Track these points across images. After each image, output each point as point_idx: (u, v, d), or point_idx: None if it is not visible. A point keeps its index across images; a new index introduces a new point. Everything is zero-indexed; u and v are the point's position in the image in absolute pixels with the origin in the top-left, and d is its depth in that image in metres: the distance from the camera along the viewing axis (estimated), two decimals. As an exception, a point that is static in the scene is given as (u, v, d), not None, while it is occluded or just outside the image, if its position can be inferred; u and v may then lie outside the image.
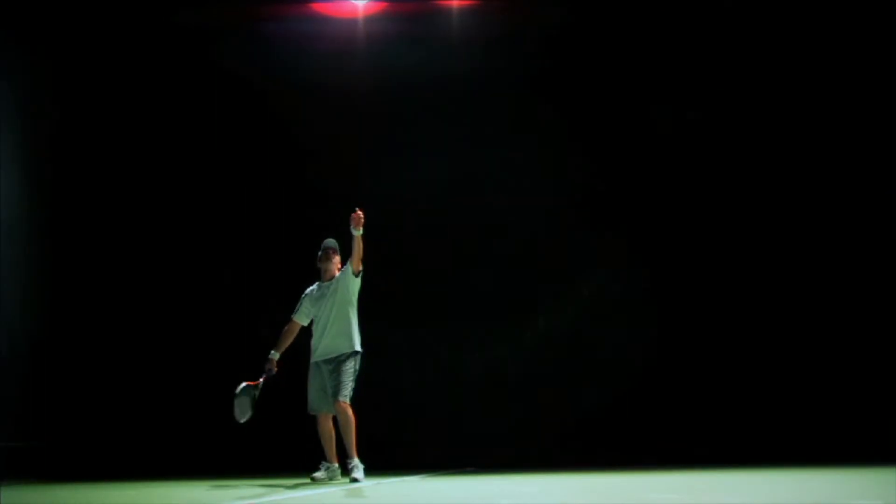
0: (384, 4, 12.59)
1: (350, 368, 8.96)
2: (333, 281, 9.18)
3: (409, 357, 12.15)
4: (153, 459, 11.66)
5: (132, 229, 12.37)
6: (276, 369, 9.16)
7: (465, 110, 12.42)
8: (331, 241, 9.31)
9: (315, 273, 9.36)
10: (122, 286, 12.26)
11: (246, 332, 12.09)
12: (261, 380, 9.12)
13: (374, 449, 9.71)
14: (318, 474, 9.03)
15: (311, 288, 9.35)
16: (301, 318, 9.29)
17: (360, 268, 9.01)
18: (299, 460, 9.65)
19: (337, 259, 9.25)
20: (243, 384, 9.09)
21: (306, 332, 9.34)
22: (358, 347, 9.08)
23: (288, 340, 9.28)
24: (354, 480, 8.78)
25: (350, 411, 8.88)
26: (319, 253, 9.28)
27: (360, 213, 8.84)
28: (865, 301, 11.87)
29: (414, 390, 12.14)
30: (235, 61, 12.37)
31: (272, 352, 9.19)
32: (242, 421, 9.06)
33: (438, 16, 12.64)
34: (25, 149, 11.49)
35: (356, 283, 9.09)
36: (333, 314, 9.09)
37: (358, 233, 8.85)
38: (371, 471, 9.17)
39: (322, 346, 9.10)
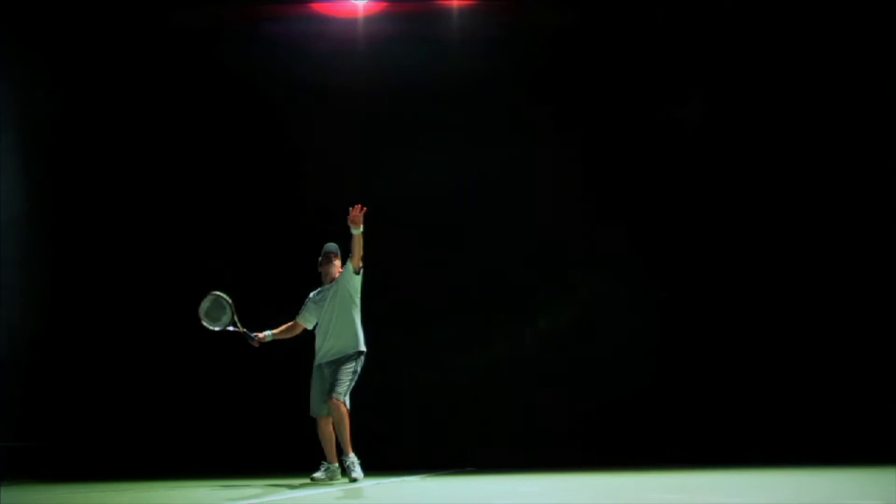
0: (384, 4, 12.59)
1: (350, 368, 8.95)
2: (334, 283, 9.17)
3: (408, 357, 12.14)
4: (153, 459, 11.66)
5: (132, 230, 12.36)
6: (257, 345, 9.19)
7: (465, 110, 12.42)
8: (331, 245, 9.29)
9: (316, 277, 9.33)
10: (122, 286, 12.26)
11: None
12: (243, 330, 9.12)
13: (375, 449, 9.71)
14: (317, 474, 9.02)
15: (313, 292, 9.33)
16: (303, 320, 9.29)
17: (361, 265, 9.00)
18: (299, 460, 9.65)
19: (338, 262, 9.23)
20: (227, 298, 9.11)
21: (310, 336, 9.31)
22: (362, 347, 9.07)
23: (286, 333, 9.30)
24: (354, 480, 8.77)
25: (343, 408, 8.83)
26: (320, 257, 9.27)
27: (358, 210, 8.81)
28: (865, 301, 11.87)
29: (414, 390, 12.14)
30: (235, 61, 12.37)
31: (268, 331, 9.21)
32: (206, 324, 9.12)
33: (438, 16, 12.64)
34: (25, 149, 11.50)
35: (357, 281, 9.06)
36: (335, 316, 9.07)
37: (357, 231, 8.84)
38: (371, 471, 9.17)
39: (325, 349, 9.09)
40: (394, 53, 12.46)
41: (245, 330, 9.19)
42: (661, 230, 12.34)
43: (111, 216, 12.35)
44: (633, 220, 12.38)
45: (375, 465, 9.49)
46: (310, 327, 9.28)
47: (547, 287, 12.43)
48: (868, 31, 11.95)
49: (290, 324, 9.33)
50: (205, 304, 9.22)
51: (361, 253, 8.92)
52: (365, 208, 8.83)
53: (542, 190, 12.50)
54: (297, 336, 9.42)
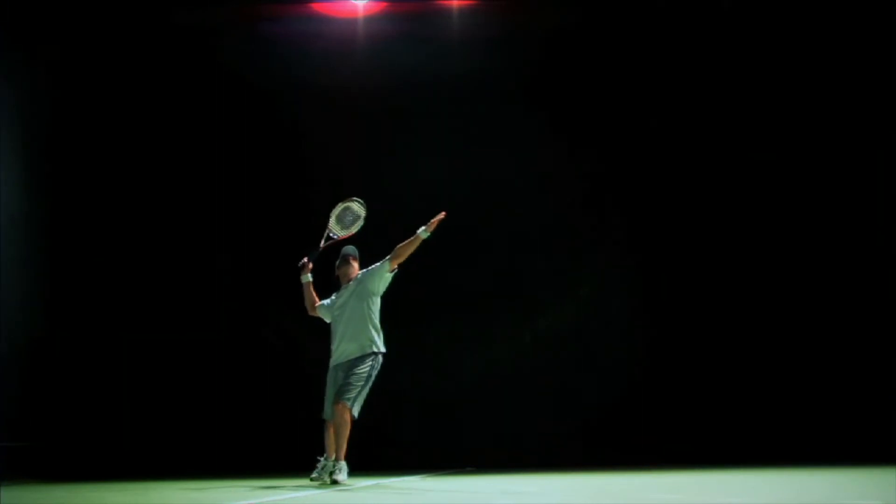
0: (384, 4, 12.59)
1: (363, 372, 8.73)
2: (352, 283, 8.99)
3: (408, 357, 12.12)
4: (153, 459, 11.65)
5: (132, 229, 12.36)
6: (300, 265, 9.13)
7: (465, 110, 12.43)
8: (350, 248, 9.14)
9: (322, 283, 9.26)
10: (122, 286, 12.25)
11: (246, 332, 12.09)
12: (321, 248, 9.12)
13: (375, 449, 9.70)
14: (316, 474, 8.96)
15: (335, 293, 9.15)
16: (322, 308, 9.13)
17: (396, 268, 8.91)
18: (299, 460, 9.63)
19: (356, 265, 9.06)
20: (357, 230, 9.15)
21: (312, 337, 9.26)
22: (378, 348, 8.85)
23: (308, 298, 9.15)
24: (335, 482, 8.55)
25: (347, 415, 8.60)
26: (338, 260, 9.12)
27: (440, 217, 8.78)
28: (864, 301, 11.88)
29: (414, 390, 12.12)
30: (235, 61, 12.37)
31: (310, 276, 9.15)
32: (333, 214, 9.16)
33: (438, 16, 12.65)
34: (25, 149, 11.50)
35: (388, 280, 8.88)
36: (350, 316, 8.87)
37: (426, 235, 8.78)
38: (371, 471, 9.15)
39: (339, 351, 8.89)
40: (394, 53, 12.46)
41: (320, 249, 9.10)
42: (663, 231, 12.35)
43: (111, 216, 12.34)
44: (633, 221, 12.38)
45: (376, 466, 9.47)
46: (325, 319, 9.11)
47: (547, 287, 12.43)
48: (868, 32, 11.96)
49: (317, 300, 9.17)
50: (354, 205, 9.20)
51: (404, 258, 8.83)
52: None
53: (541, 189, 12.50)
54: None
